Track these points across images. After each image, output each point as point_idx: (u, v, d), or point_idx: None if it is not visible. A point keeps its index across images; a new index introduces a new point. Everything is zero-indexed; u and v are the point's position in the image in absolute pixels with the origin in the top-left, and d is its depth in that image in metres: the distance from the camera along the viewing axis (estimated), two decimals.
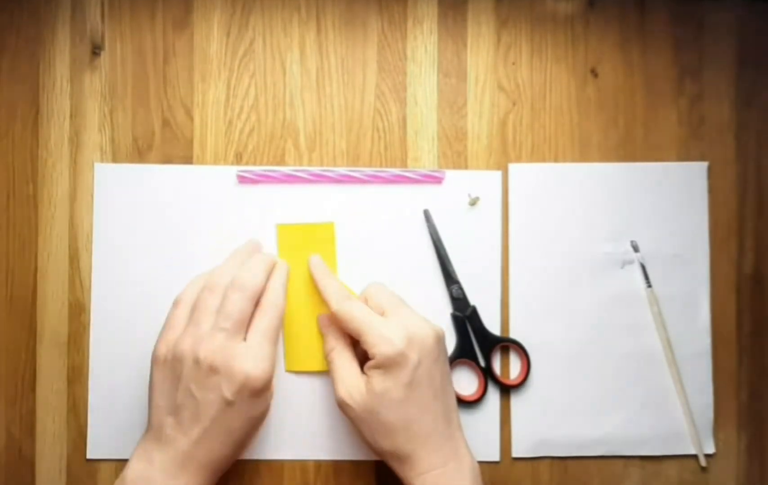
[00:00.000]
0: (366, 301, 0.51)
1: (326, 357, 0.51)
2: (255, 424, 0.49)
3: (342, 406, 0.48)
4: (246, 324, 0.48)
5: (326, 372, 0.52)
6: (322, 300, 0.51)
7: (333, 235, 0.53)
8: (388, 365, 0.46)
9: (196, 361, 0.46)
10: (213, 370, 0.46)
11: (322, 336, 0.52)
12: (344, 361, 0.49)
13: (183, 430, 0.46)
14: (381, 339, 0.47)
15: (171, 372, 0.47)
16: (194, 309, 0.48)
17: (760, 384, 0.55)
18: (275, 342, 0.49)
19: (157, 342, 0.48)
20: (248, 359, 0.46)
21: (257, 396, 0.47)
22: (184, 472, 0.46)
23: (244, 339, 0.48)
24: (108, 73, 0.54)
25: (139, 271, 0.53)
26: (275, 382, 0.50)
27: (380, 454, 0.48)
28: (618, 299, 0.54)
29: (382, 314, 0.49)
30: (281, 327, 0.51)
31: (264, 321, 0.49)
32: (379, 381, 0.47)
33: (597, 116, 0.55)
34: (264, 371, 0.47)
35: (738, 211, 0.55)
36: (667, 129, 0.55)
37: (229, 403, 0.46)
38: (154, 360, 0.48)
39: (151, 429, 0.47)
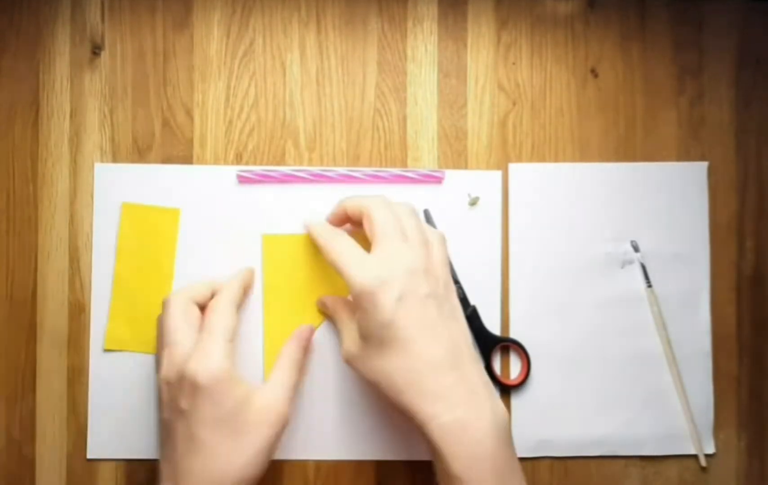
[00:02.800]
0: (366, 221, 0.47)
1: (333, 318, 0.51)
2: (240, 429, 0.45)
3: (347, 364, 0.47)
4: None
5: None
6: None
7: (177, 222, 0.53)
8: (361, 306, 0.44)
9: (164, 380, 0.46)
10: (169, 384, 0.46)
11: (326, 303, 0.52)
12: (344, 316, 0.49)
13: (168, 462, 0.45)
14: (354, 278, 0.44)
15: (169, 397, 0.47)
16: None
17: (760, 384, 0.55)
18: (225, 339, 0.46)
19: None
20: (196, 359, 0.45)
21: (213, 395, 0.44)
22: None
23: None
24: (108, 73, 0.54)
25: None
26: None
27: (396, 407, 0.45)
28: (618, 299, 0.54)
29: (372, 243, 0.46)
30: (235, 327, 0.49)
31: (212, 317, 0.47)
32: (362, 326, 0.45)
33: (597, 116, 0.55)
34: (209, 368, 0.44)
35: (738, 211, 0.55)
36: (667, 129, 0.55)
37: (182, 412, 0.45)
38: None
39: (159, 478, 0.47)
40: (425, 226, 0.49)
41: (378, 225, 0.46)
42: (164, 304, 0.49)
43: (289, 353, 0.50)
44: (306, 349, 0.51)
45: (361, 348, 0.46)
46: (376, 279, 0.43)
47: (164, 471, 0.46)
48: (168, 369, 0.46)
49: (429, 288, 0.44)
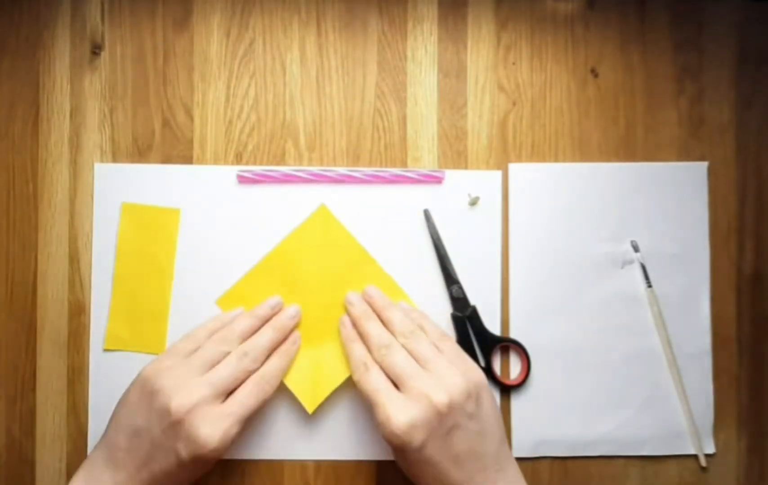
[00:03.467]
0: (405, 347, 0.49)
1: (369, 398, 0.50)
2: (198, 475, 0.48)
3: (389, 438, 0.47)
4: (229, 391, 0.48)
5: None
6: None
7: (177, 222, 0.53)
8: (395, 449, 0.46)
9: (167, 406, 0.46)
10: (179, 423, 0.45)
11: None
12: (380, 387, 0.49)
13: (133, 463, 0.46)
14: (385, 420, 0.46)
15: (146, 399, 0.47)
16: (198, 350, 0.49)
17: (760, 384, 0.55)
18: (243, 421, 0.48)
19: (152, 362, 0.48)
20: (215, 430, 0.46)
21: (207, 461, 0.47)
22: None
23: (222, 402, 0.48)
24: (108, 73, 0.54)
25: None
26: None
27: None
28: (618, 299, 0.54)
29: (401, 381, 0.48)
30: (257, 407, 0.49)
31: (248, 398, 0.48)
32: (398, 459, 0.48)
33: (597, 116, 0.55)
34: (219, 445, 0.46)
35: (738, 211, 0.55)
36: (667, 129, 0.55)
37: (181, 463, 0.46)
38: (139, 378, 0.48)
39: (104, 446, 0.47)
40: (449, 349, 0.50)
41: (412, 352, 0.49)
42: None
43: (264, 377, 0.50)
44: (275, 382, 0.51)
45: (418, 437, 0.46)
46: (405, 424, 0.45)
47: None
48: (174, 389, 0.47)
49: (453, 420, 0.46)
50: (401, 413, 0.45)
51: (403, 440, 0.45)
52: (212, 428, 0.46)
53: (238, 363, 0.48)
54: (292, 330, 0.52)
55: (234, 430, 0.47)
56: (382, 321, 0.51)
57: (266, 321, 0.51)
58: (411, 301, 0.53)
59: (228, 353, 0.49)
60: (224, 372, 0.48)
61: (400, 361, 0.48)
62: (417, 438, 0.45)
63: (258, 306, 0.52)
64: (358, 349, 0.50)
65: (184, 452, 0.45)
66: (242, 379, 0.48)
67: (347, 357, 0.51)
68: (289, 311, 0.52)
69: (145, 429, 0.46)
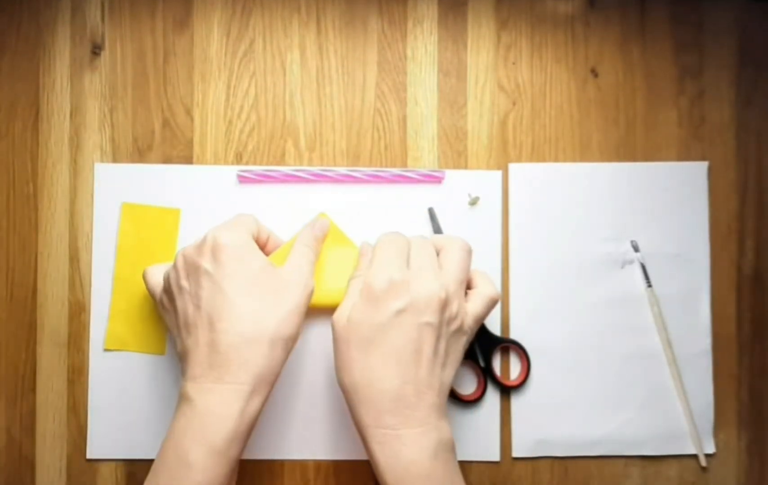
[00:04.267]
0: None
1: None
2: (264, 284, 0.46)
3: (332, 326, 0.47)
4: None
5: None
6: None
7: (177, 222, 0.53)
8: (369, 296, 0.45)
9: (200, 250, 0.46)
10: (186, 255, 0.46)
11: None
12: (354, 289, 0.48)
13: (195, 337, 0.45)
14: (380, 268, 0.46)
15: (176, 281, 0.46)
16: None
17: (760, 384, 0.55)
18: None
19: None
20: (217, 228, 0.47)
21: (237, 255, 0.46)
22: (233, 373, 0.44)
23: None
24: (108, 73, 0.54)
25: None
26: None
27: (340, 386, 0.46)
28: (618, 299, 0.54)
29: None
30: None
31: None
32: (358, 309, 0.46)
33: (597, 116, 0.55)
34: (231, 234, 0.46)
35: (738, 211, 0.55)
36: (667, 129, 0.55)
37: (206, 273, 0.45)
38: (159, 290, 0.48)
39: (186, 360, 0.45)
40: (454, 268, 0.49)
41: (420, 254, 0.48)
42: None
43: (304, 236, 0.50)
44: (321, 235, 0.52)
45: (349, 327, 0.46)
46: (390, 282, 0.45)
47: (191, 350, 0.45)
48: (187, 247, 0.47)
49: (434, 318, 0.45)
50: (401, 272, 0.46)
51: (391, 291, 0.45)
52: (221, 229, 0.47)
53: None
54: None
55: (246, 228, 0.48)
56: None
57: None
58: None
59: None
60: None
61: (425, 254, 0.48)
62: (402, 300, 0.44)
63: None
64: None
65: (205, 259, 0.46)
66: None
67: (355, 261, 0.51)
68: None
69: (190, 287, 0.46)
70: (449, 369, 0.46)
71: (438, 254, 0.49)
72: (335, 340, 0.46)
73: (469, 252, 0.49)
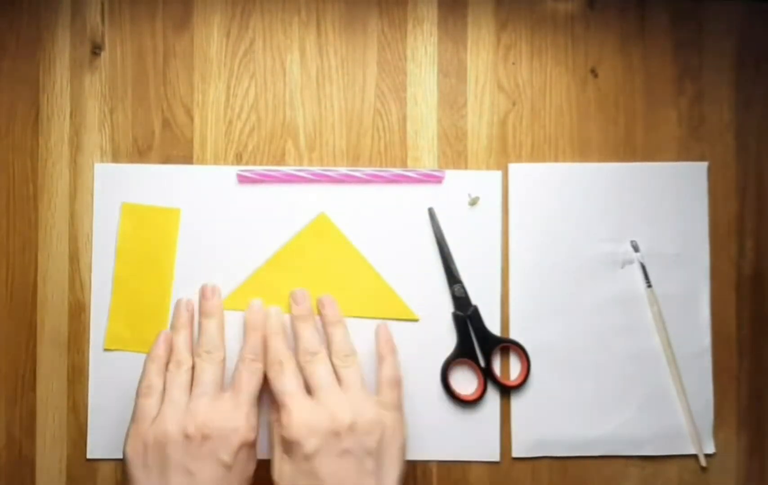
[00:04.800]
0: (330, 355, 0.50)
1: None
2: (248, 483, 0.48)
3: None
4: (221, 386, 0.49)
5: None
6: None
7: (177, 222, 0.53)
8: (287, 448, 0.46)
9: (187, 436, 0.46)
10: (206, 438, 0.46)
11: None
12: (276, 436, 0.48)
13: None
14: (287, 420, 0.46)
15: (155, 461, 0.46)
16: (164, 391, 0.48)
17: (760, 384, 0.55)
18: (256, 397, 0.49)
19: (128, 439, 0.47)
20: (238, 417, 0.47)
21: (250, 452, 0.47)
22: None
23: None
24: (108, 73, 0.54)
25: None
26: None
27: None
28: (618, 299, 0.54)
29: (313, 386, 0.48)
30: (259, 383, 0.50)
31: (246, 378, 0.49)
32: (284, 463, 0.47)
33: (597, 116, 0.55)
34: (254, 425, 0.48)
35: (738, 211, 0.55)
36: (667, 129, 0.55)
37: (227, 467, 0.46)
38: (129, 460, 0.46)
39: None
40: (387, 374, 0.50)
41: (319, 371, 0.49)
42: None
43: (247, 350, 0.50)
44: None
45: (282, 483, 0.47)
46: (302, 427, 0.46)
47: None
48: (180, 423, 0.46)
49: (349, 444, 0.46)
50: (305, 413, 0.46)
51: (299, 440, 0.45)
52: (242, 418, 0.47)
53: (210, 360, 0.49)
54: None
55: (253, 406, 0.48)
56: (326, 332, 0.51)
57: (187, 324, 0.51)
58: (408, 309, 0.53)
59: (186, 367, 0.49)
60: (205, 378, 0.48)
61: (322, 372, 0.49)
62: (311, 443, 0.45)
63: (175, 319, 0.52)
64: (277, 344, 0.50)
65: (225, 453, 0.46)
66: (222, 372, 0.49)
67: (265, 349, 0.50)
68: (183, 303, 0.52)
69: (178, 477, 0.45)
70: (391, 474, 0.47)
71: (328, 343, 0.50)
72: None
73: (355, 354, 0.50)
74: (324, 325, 0.51)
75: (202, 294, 0.52)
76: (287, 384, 0.48)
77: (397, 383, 0.50)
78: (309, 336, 0.50)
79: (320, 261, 0.53)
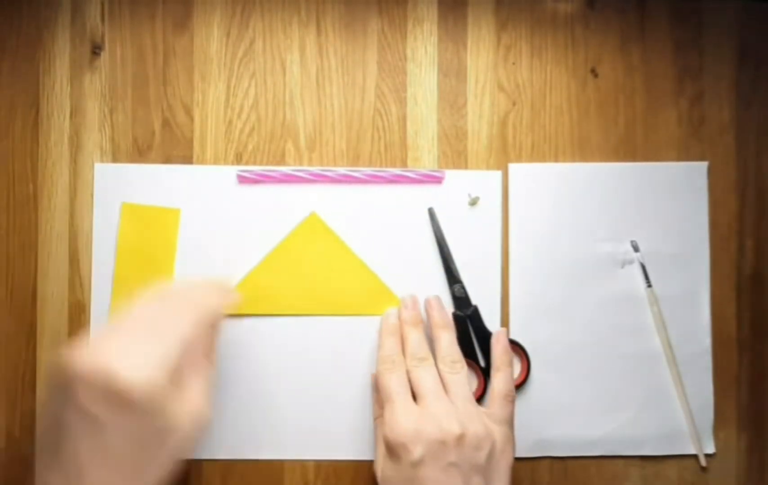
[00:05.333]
0: (436, 359, 0.49)
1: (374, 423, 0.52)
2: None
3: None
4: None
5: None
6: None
7: (177, 222, 0.53)
8: (390, 451, 0.45)
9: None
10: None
11: (374, 398, 0.52)
12: (379, 435, 0.49)
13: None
14: (393, 420, 0.45)
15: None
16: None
17: (760, 384, 0.55)
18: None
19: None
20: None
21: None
22: None
23: None
24: (108, 73, 0.54)
25: None
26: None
27: None
28: (618, 299, 0.54)
29: (421, 395, 0.47)
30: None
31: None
32: (387, 466, 0.46)
33: (597, 116, 0.55)
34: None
35: (738, 211, 0.55)
36: (667, 129, 0.55)
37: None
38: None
39: None
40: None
41: (428, 379, 0.48)
42: None
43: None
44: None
45: (385, 482, 0.47)
46: (410, 431, 0.44)
47: None
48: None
49: (457, 457, 0.44)
50: (411, 417, 0.45)
51: (405, 444, 0.44)
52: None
53: None
54: None
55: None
56: (432, 335, 0.51)
57: None
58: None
59: None
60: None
61: (429, 378, 0.48)
62: (417, 451, 0.44)
63: None
64: (391, 344, 0.50)
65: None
66: None
67: (378, 348, 0.51)
68: None
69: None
70: None
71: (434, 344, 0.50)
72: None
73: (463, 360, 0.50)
74: (430, 328, 0.51)
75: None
76: (396, 383, 0.48)
77: (511, 398, 0.49)
78: (417, 341, 0.50)
79: (313, 260, 0.53)
